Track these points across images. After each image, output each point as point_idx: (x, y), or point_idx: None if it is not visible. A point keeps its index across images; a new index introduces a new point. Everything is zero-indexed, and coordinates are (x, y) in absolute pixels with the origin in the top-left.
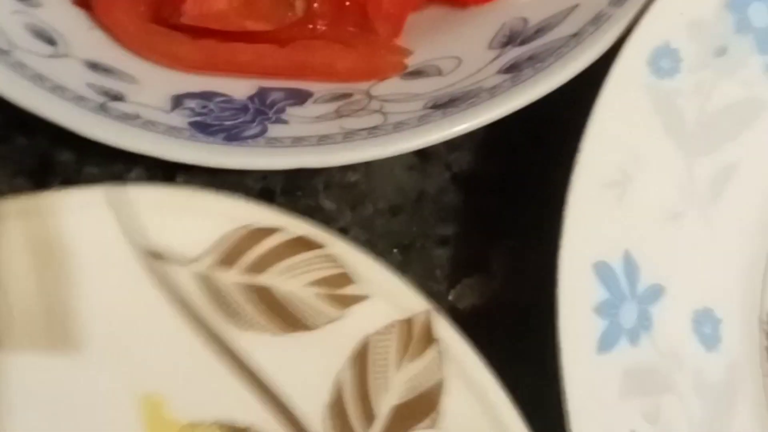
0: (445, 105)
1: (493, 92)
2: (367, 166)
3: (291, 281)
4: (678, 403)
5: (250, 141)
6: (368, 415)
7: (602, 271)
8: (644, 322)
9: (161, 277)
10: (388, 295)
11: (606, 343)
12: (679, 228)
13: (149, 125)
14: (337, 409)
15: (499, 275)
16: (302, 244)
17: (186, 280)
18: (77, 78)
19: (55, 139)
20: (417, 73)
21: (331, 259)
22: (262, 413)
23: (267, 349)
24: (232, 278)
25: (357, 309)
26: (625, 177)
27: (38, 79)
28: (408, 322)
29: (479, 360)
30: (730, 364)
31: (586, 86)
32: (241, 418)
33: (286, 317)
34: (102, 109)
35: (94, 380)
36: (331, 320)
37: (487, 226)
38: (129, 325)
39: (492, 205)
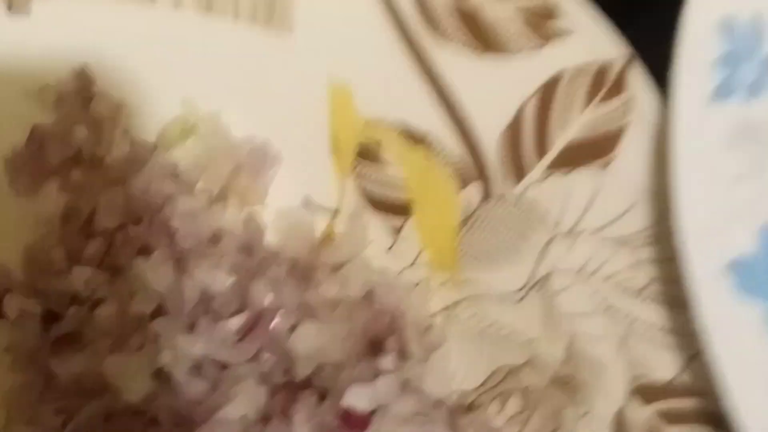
0: None
1: None
2: None
3: (501, 4)
4: None
5: None
6: (542, 146)
7: (727, 26)
8: (764, 82)
9: None
10: (591, 37)
11: (722, 93)
12: None
13: None
14: (514, 134)
15: None
16: None
17: None
18: None
19: None
20: None
21: None
22: (441, 124)
23: (461, 65)
24: None
25: (558, 43)
26: None
27: None
28: (605, 66)
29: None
30: None
31: None
32: (420, 125)
33: (488, 38)
34: None
35: (295, 62)
36: (530, 48)
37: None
38: (341, 18)
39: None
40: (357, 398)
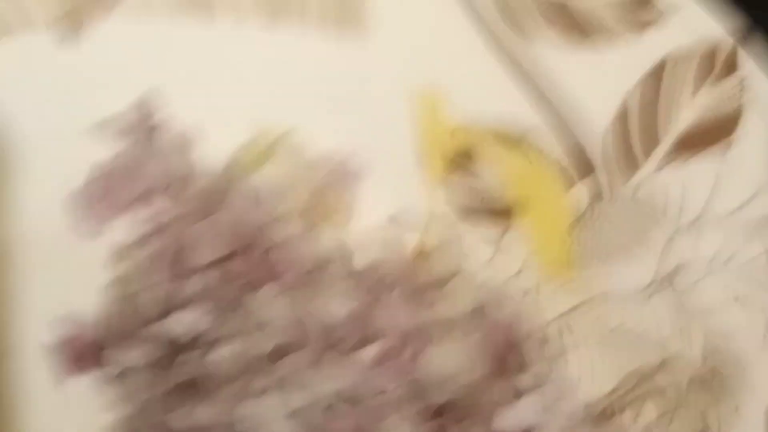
0: None
1: None
2: None
3: None
4: None
5: None
6: (653, 137)
7: None
8: None
9: None
10: (695, 17)
11: None
12: None
13: None
14: (621, 127)
15: None
16: None
17: None
18: None
19: None
20: None
21: None
22: (541, 122)
23: (556, 61)
24: None
25: (659, 29)
26: None
27: None
28: (713, 46)
29: None
30: None
31: None
32: (517, 125)
33: (583, 28)
34: None
35: (377, 68)
36: (630, 35)
37: None
38: (420, 20)
39: None
40: (507, 421)
